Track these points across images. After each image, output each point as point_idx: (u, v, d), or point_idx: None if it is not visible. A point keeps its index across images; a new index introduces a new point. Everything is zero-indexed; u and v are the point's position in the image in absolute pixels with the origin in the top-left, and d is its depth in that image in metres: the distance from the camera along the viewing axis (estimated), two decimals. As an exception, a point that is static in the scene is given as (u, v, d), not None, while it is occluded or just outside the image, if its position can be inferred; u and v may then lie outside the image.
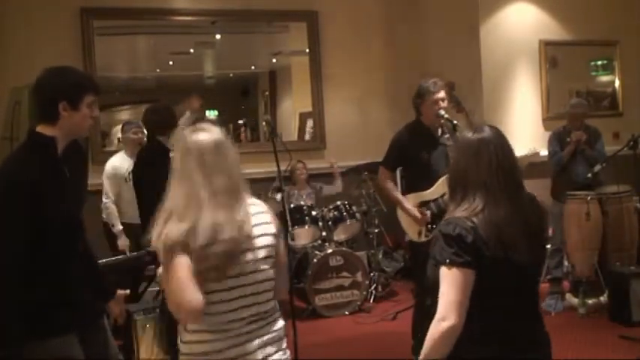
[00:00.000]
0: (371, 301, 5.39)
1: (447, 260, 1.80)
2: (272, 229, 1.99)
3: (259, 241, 1.93)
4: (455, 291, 1.78)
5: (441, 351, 1.80)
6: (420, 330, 3.80)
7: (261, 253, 1.93)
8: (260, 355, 1.91)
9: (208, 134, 1.91)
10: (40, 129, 2.25)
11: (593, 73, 6.65)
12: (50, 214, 2.17)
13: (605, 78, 6.70)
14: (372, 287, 5.48)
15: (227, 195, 1.88)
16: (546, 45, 6.23)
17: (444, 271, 1.81)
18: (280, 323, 2.02)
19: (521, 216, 1.87)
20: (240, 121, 6.73)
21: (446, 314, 1.78)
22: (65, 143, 2.29)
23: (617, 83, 6.70)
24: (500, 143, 1.93)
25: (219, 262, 1.82)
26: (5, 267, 2.13)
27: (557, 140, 5.39)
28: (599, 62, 6.65)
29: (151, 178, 3.85)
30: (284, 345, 2.02)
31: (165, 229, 1.83)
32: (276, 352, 1.96)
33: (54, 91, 2.23)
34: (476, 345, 1.84)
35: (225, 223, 1.84)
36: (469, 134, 1.96)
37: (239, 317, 1.90)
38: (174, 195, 1.87)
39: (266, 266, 1.94)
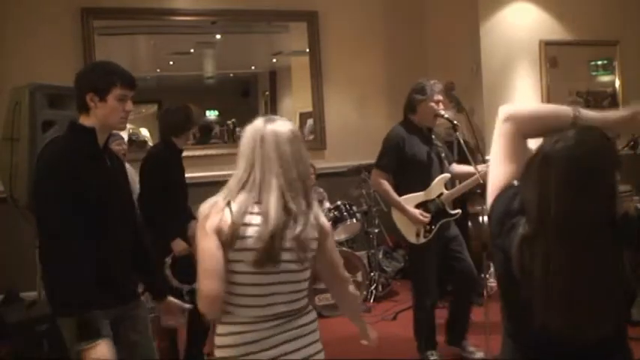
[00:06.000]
0: (371, 301, 5.39)
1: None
2: (315, 233, 1.96)
3: (303, 241, 1.90)
4: None
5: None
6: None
7: (300, 255, 1.90)
8: (280, 351, 1.88)
9: (284, 124, 1.93)
10: (81, 120, 2.33)
11: (593, 73, 6.65)
12: (85, 195, 2.21)
13: (605, 78, 6.70)
14: (372, 287, 5.48)
15: (294, 186, 1.88)
16: (546, 45, 6.23)
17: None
18: (305, 319, 1.96)
19: None
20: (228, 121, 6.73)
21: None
22: (105, 135, 2.36)
23: (617, 83, 6.70)
24: None
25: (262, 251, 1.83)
26: (64, 240, 2.16)
27: None
28: (599, 62, 6.66)
29: (163, 177, 3.83)
30: (312, 339, 1.96)
31: (219, 214, 1.84)
32: (304, 347, 1.92)
33: (82, 81, 2.31)
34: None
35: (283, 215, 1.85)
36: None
37: (263, 314, 1.87)
38: (236, 178, 1.89)
39: (299, 267, 1.91)
